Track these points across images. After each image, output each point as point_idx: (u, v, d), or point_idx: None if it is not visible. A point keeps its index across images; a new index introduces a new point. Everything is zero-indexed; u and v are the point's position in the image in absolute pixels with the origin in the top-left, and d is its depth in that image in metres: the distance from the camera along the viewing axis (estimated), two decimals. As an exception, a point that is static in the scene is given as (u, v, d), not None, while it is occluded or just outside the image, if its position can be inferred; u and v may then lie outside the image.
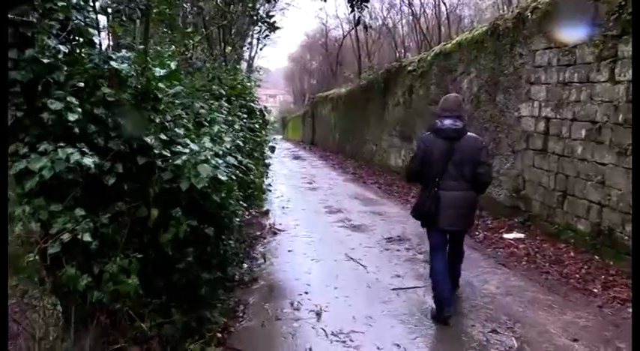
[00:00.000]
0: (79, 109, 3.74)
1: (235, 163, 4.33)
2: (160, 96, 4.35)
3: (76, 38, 4.26)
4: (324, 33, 41.70)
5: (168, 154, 4.09)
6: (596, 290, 6.11)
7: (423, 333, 5.07)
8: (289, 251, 8.03)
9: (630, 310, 5.38)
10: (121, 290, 3.83)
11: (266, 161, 10.41)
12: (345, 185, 15.50)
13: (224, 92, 7.17)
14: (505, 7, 22.28)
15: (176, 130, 4.37)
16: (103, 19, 5.46)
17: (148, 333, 4.08)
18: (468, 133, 5.07)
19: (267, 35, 12.83)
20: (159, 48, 4.73)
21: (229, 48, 15.24)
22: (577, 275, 6.59)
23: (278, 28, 10.89)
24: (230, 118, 6.21)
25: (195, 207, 4.49)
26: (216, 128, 4.82)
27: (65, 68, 3.91)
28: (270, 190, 11.66)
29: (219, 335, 4.86)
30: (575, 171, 7.71)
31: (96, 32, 4.37)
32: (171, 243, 4.21)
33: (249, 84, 11.12)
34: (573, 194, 7.76)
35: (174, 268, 4.35)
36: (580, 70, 7.55)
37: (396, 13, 33.34)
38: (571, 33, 7.67)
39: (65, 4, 4.12)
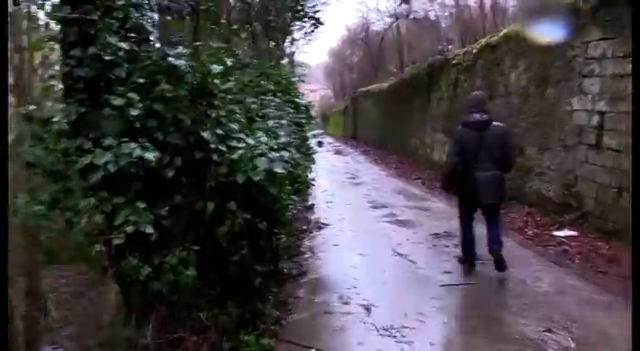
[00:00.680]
0: (140, 105, 3.86)
1: (289, 157, 4.37)
2: (214, 92, 4.43)
3: (134, 36, 4.38)
4: (364, 27, 41.44)
5: (225, 149, 4.16)
6: (657, 291, 5.87)
7: (476, 331, 4.99)
8: (335, 246, 8.04)
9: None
10: (179, 281, 3.93)
11: (312, 156, 10.44)
12: (388, 180, 15.41)
13: (272, 88, 7.24)
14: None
15: (230, 125, 4.44)
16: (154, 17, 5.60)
17: (205, 323, 4.18)
18: (493, 123, 6.01)
19: (312, 31, 12.86)
20: (213, 44, 4.80)
21: (272, 44, 15.37)
22: (636, 275, 6.35)
23: (322, 23, 10.90)
24: (279, 112, 6.26)
25: (249, 201, 4.56)
26: (270, 123, 4.88)
27: (125, 65, 4.04)
28: (313, 185, 11.72)
29: (272, 327, 4.92)
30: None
31: (153, 29, 4.48)
32: (227, 236, 4.29)
33: (293, 79, 11.18)
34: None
35: (229, 261, 4.43)
36: (639, 61, 7.23)
37: (439, 6, 32.83)
38: (627, 22, 7.35)
39: (124, 2, 4.25)
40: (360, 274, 6.62)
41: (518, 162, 9.32)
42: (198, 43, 4.73)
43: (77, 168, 3.77)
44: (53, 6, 4.03)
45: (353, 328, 5.09)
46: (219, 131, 4.21)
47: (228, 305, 4.47)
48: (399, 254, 7.42)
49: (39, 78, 8.01)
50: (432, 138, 17.27)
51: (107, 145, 3.69)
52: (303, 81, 13.87)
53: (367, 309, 5.47)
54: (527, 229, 8.65)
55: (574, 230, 8.39)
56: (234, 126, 4.42)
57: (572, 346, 4.63)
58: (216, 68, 4.35)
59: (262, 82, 7.04)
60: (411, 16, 31.58)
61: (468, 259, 6.60)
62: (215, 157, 4.19)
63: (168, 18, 5.82)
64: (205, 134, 4.12)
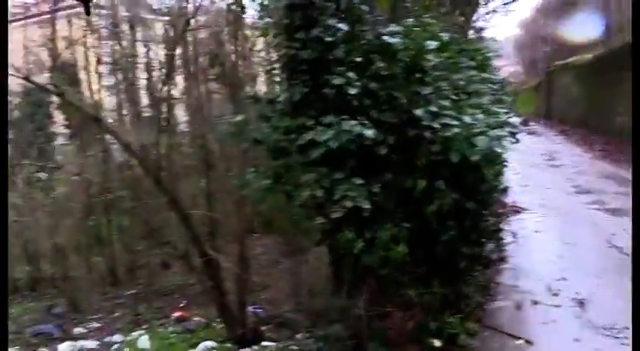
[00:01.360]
0: (358, 84, 3.96)
1: (504, 135, 4.13)
2: (426, 68, 4.35)
3: (349, 16, 4.48)
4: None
5: (438, 126, 4.08)
6: None
7: None
8: (536, 232, 7.50)
9: None
10: (390, 257, 4.00)
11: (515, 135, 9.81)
12: (592, 163, 13.85)
13: (473, 64, 6.90)
14: None
15: (441, 102, 4.33)
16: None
17: (412, 300, 4.21)
18: None
19: (508, 2, 11.98)
20: (427, 20, 4.71)
21: (462, 18, 14.70)
22: None
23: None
24: (484, 89, 5.95)
25: (458, 180, 4.42)
26: (484, 99, 4.66)
27: (343, 46, 4.17)
28: (506, 166, 11.04)
29: (475, 312, 4.79)
30: None
31: (367, 9, 4.54)
32: (436, 215, 4.23)
33: (488, 55, 10.55)
34: None
35: (437, 240, 4.37)
36: None
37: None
38: None
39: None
40: (568, 264, 6.08)
41: None
42: (409, 20, 4.67)
43: (298, 144, 4.02)
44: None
45: (566, 322, 4.70)
46: (433, 108, 4.13)
47: (433, 285, 4.43)
48: (614, 246, 6.63)
49: (251, 64, 8.79)
50: (648, 116, 14.97)
51: (328, 123, 3.87)
52: (498, 56, 13.03)
53: (581, 303, 5.00)
54: None
55: None
56: (446, 103, 4.30)
57: None
58: (432, 44, 4.26)
59: (463, 58, 6.74)
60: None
61: None
62: (427, 134, 4.14)
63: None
64: (418, 112, 4.08)
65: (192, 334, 8.42)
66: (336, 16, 4.29)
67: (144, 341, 7.39)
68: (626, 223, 7.78)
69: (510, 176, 11.66)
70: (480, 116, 4.20)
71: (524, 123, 9.39)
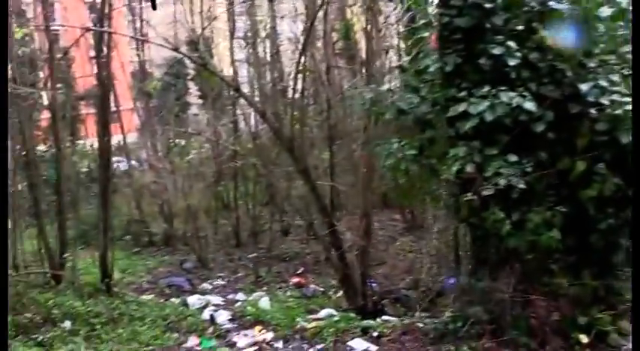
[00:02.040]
0: (518, 54, 3.69)
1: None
2: (594, 39, 3.93)
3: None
4: None
5: (606, 103, 3.68)
6: None
7: None
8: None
9: None
10: (540, 242, 3.73)
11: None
12: None
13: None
14: None
15: (610, 76, 3.90)
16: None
17: (559, 291, 3.91)
18: None
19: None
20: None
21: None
22: None
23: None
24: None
25: (620, 164, 3.99)
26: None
27: (503, 13, 3.89)
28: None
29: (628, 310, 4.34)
30: None
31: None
32: (594, 200, 3.86)
33: None
34: None
35: (593, 229, 4.00)
36: None
37: None
38: None
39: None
40: None
41: None
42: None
43: (448, 116, 3.85)
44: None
45: None
46: (602, 83, 3.73)
47: (584, 276, 4.08)
48: None
49: (384, 36, 8.63)
50: None
51: (483, 95, 3.65)
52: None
53: None
54: None
55: None
56: (615, 78, 3.87)
57: None
58: (605, 12, 3.83)
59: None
60: None
61: None
62: (592, 112, 3.75)
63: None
64: (584, 86, 3.71)
65: (309, 300, 8.67)
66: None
67: (265, 302, 7.71)
68: None
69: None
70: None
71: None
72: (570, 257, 4.08)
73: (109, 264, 7.56)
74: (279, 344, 5.69)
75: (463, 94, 3.79)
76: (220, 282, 10.36)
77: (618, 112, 3.62)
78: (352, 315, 6.01)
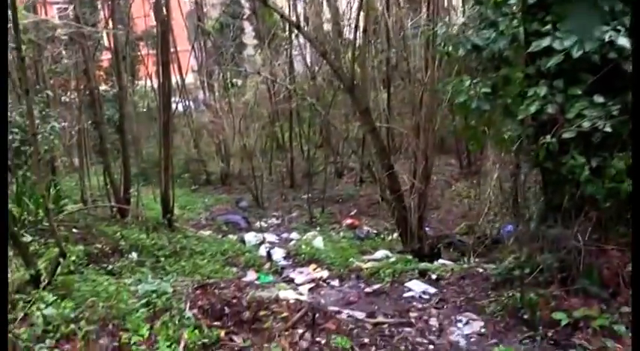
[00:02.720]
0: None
1: None
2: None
3: None
4: None
5: None
6: None
7: None
8: None
9: None
10: (619, 189, 3.49)
11: None
12: None
13: None
14: None
15: None
16: None
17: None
18: None
19: None
20: None
21: None
22: None
23: None
24: None
25: None
26: None
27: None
28: None
29: None
30: None
31: None
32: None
33: None
34: None
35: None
36: None
37: None
38: None
39: None
40: None
41: None
42: None
43: (529, 52, 3.57)
44: None
45: None
46: None
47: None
48: None
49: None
50: None
51: (570, 29, 3.34)
52: None
53: None
54: None
55: None
56: None
57: None
58: None
59: None
60: None
61: None
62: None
63: None
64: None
65: (362, 241, 8.72)
66: None
67: (318, 241, 7.81)
68: None
69: None
70: None
71: None
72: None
73: (170, 201, 7.81)
74: (335, 282, 5.77)
75: (547, 27, 3.49)
76: (275, 221, 10.59)
77: None
78: (409, 257, 5.98)
